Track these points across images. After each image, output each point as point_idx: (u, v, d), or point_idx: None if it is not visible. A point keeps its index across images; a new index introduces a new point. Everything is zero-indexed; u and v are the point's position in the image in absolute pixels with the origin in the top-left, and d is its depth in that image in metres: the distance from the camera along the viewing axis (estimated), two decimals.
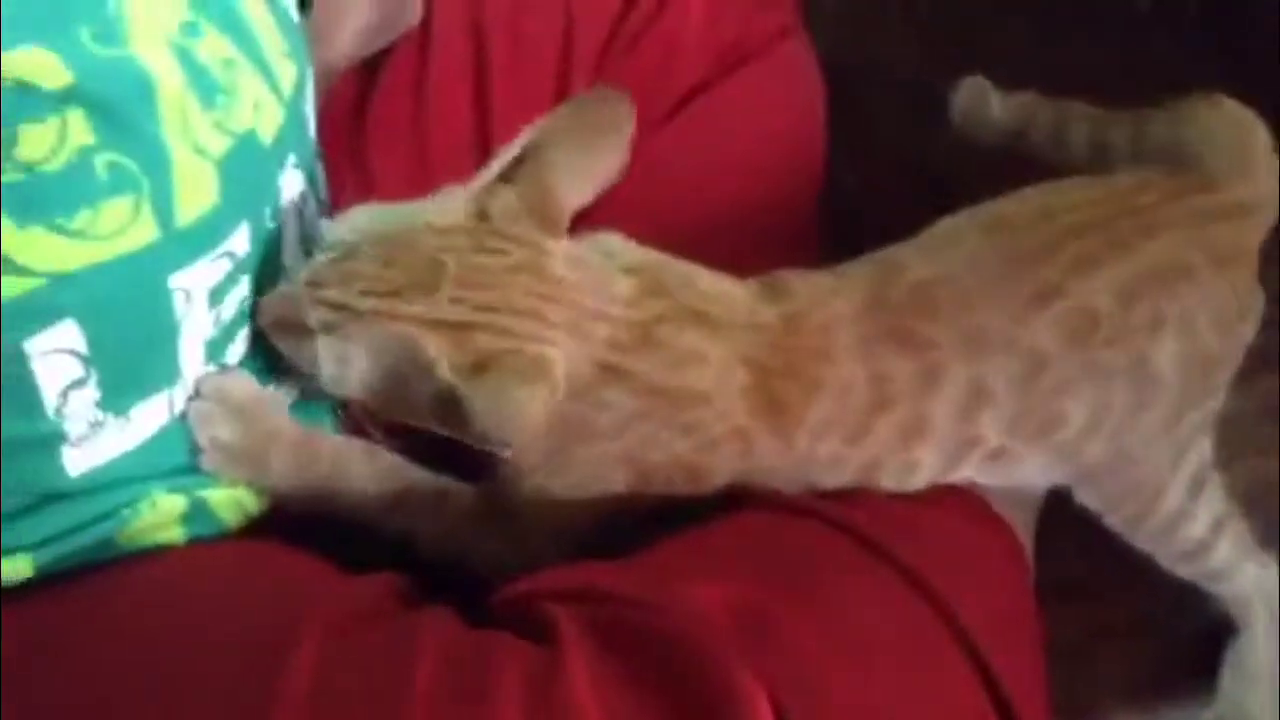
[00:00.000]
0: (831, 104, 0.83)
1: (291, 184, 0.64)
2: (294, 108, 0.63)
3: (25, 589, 0.57)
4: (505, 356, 0.57)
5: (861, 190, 0.89)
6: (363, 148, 0.77)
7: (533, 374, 0.57)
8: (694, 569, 0.58)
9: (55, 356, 0.54)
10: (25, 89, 0.50)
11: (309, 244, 0.67)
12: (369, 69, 0.78)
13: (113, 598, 0.57)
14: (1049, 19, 1.02)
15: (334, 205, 0.70)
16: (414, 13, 0.76)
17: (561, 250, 0.60)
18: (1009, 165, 0.74)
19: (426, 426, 0.60)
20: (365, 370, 0.59)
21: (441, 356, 0.57)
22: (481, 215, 0.60)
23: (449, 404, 0.57)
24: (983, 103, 0.78)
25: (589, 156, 0.61)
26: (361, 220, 0.60)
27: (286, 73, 0.62)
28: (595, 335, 0.59)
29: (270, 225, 0.62)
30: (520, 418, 0.56)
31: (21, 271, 0.52)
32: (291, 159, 0.64)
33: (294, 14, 0.65)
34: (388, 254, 0.58)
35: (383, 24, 0.75)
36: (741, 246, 0.69)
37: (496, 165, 0.61)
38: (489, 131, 0.78)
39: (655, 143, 0.75)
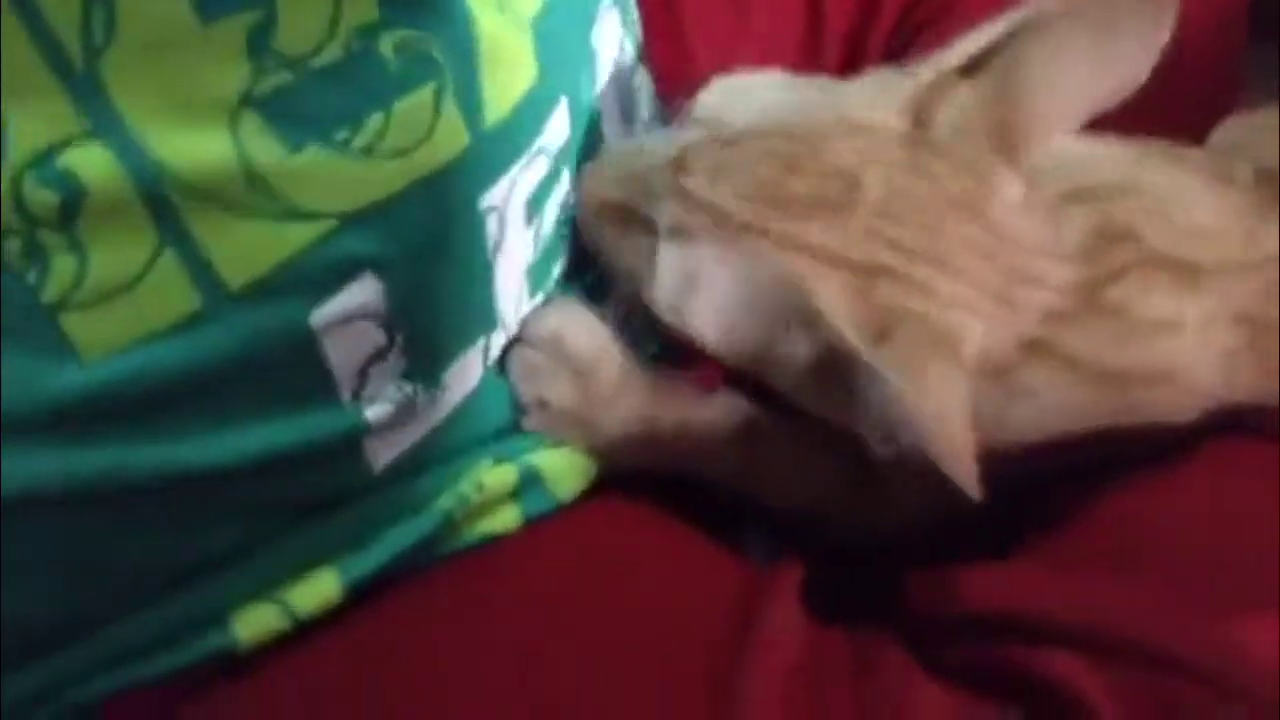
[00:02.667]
0: None
1: (608, 34, 0.48)
2: None
3: (332, 621, 0.43)
4: (911, 322, 0.40)
5: None
6: None
7: (940, 350, 0.40)
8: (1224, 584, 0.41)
9: (351, 326, 0.39)
10: None
11: (633, 115, 0.51)
12: None
13: (460, 618, 0.43)
14: None
15: (651, 61, 0.53)
16: None
17: (1012, 186, 0.42)
18: None
19: (783, 388, 0.44)
20: (720, 300, 0.43)
21: (836, 308, 0.40)
22: (921, 120, 0.42)
23: (830, 368, 0.41)
24: None
25: (1094, 65, 0.41)
26: (758, 95, 0.43)
27: None
28: (1029, 304, 0.42)
29: (588, 96, 0.46)
30: (924, 407, 0.39)
31: (299, 215, 0.36)
32: None
33: None
34: (789, 151, 0.41)
35: None
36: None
37: (957, 50, 0.42)
38: None
39: None
